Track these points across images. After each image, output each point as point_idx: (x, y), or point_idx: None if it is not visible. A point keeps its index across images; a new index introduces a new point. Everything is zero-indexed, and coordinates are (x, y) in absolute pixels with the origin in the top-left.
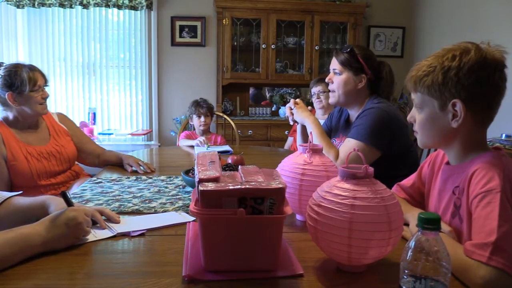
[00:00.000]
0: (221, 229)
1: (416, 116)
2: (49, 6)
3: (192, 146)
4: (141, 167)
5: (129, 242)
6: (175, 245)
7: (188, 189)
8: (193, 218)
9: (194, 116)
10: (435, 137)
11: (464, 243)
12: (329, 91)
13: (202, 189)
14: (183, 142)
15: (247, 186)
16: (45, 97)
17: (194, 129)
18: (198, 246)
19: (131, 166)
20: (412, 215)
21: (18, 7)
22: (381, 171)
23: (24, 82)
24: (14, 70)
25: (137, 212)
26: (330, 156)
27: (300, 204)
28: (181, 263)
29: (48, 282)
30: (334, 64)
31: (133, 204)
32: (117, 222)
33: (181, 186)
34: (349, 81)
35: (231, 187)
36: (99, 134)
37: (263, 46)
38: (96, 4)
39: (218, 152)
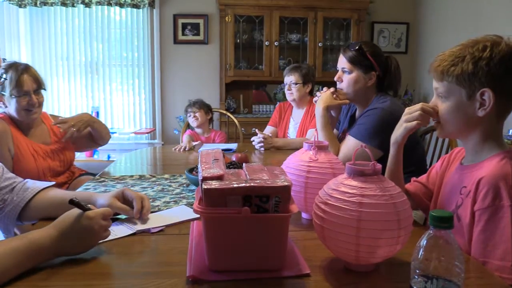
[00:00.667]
0: (225, 228)
1: (439, 105)
2: (51, 5)
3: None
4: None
5: (133, 242)
6: (179, 244)
7: (192, 187)
8: None
9: (188, 117)
10: (459, 126)
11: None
12: (302, 82)
13: (206, 187)
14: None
15: (252, 184)
16: (32, 103)
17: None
18: (202, 245)
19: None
20: None
21: (20, 6)
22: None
23: (6, 83)
24: (4, 70)
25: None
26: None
27: (306, 202)
28: (185, 263)
29: (49, 283)
30: (343, 63)
31: None
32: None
33: (185, 185)
34: (359, 79)
35: (235, 185)
36: None
37: (266, 43)
38: (98, 3)
39: (222, 150)
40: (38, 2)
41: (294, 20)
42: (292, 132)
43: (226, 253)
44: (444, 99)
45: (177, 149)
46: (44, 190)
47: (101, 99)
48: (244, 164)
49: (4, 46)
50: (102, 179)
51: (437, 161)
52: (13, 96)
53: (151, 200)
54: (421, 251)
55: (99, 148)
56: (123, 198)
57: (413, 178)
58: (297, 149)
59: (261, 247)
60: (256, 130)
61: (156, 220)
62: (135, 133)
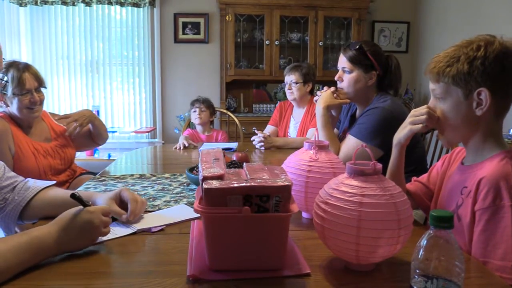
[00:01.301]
0: (226, 227)
1: (438, 107)
2: (52, 4)
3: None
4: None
5: (134, 241)
6: (179, 244)
7: (193, 186)
8: None
9: (192, 111)
10: (458, 126)
11: (460, 243)
12: (303, 82)
13: (206, 187)
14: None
15: (252, 184)
16: (34, 101)
17: (196, 127)
18: (202, 245)
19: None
20: None
21: (20, 5)
22: (386, 168)
23: (8, 83)
24: (4, 69)
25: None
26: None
27: (306, 201)
28: (185, 262)
29: (49, 282)
30: (343, 62)
31: None
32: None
33: (185, 184)
34: (359, 79)
35: (235, 185)
36: None
37: (267, 42)
38: (99, 2)
39: (223, 149)
40: (38, 1)
41: (295, 19)
42: (293, 132)
43: (227, 253)
44: (441, 100)
45: (176, 148)
46: (45, 190)
47: (101, 98)
48: (244, 164)
49: (5, 45)
50: (103, 178)
51: (437, 160)
52: (15, 95)
53: (151, 199)
54: (421, 251)
55: (99, 147)
56: (120, 200)
57: (414, 178)
58: (297, 148)
59: (261, 247)
60: (256, 130)
61: (156, 220)
62: (136, 132)
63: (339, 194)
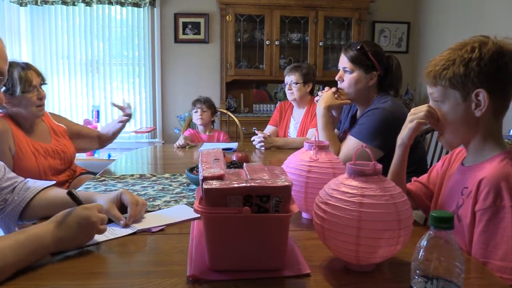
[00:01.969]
0: (226, 228)
1: (437, 110)
2: (52, 4)
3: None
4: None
5: (134, 241)
6: (179, 244)
7: (193, 187)
8: None
9: (193, 112)
10: (458, 128)
11: (460, 244)
12: (303, 82)
13: (206, 187)
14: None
15: (252, 184)
16: (42, 96)
17: (197, 127)
18: (202, 245)
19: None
20: None
21: (21, 5)
22: (387, 169)
23: (15, 82)
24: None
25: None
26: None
27: (306, 202)
28: (185, 262)
29: (49, 282)
30: (344, 62)
31: None
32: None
33: (185, 184)
34: (360, 79)
35: (236, 185)
36: None
37: (267, 42)
38: (99, 1)
39: (223, 149)
40: (39, 1)
41: (295, 19)
42: (293, 132)
43: (227, 253)
44: (440, 104)
45: (175, 146)
46: (45, 190)
47: (101, 97)
48: (244, 164)
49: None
50: (103, 178)
51: (437, 161)
52: (24, 93)
53: (151, 199)
54: (421, 251)
55: None
56: (120, 202)
57: (414, 178)
58: (297, 148)
59: (261, 247)
60: (256, 130)
61: (156, 220)
62: (136, 132)
63: (339, 194)
